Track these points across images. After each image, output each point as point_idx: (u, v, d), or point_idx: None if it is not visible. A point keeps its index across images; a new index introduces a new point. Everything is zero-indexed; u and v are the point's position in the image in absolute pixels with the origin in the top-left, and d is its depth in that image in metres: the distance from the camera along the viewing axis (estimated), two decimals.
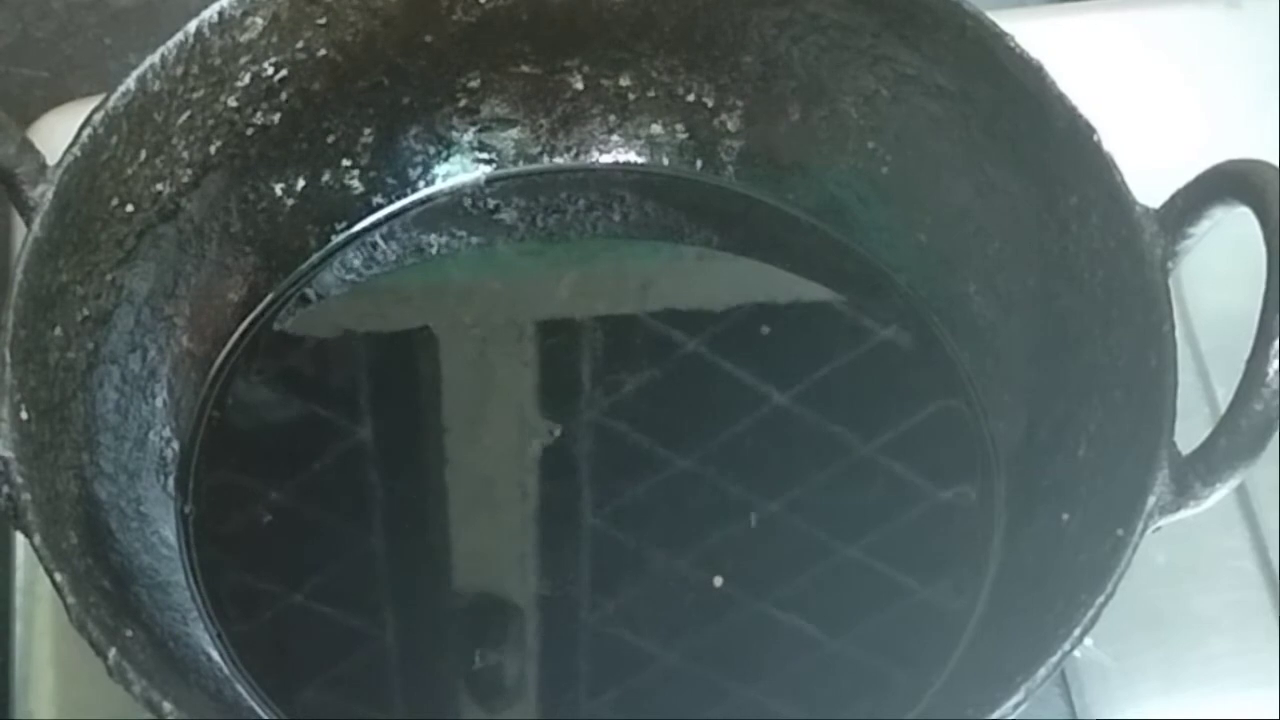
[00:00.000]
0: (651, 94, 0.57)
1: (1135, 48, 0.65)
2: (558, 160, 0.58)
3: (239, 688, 0.48)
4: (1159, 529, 0.43)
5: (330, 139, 0.55)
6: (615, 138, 0.58)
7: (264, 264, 0.55)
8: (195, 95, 0.50)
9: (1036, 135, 0.49)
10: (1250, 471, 0.42)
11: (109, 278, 0.49)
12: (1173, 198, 0.46)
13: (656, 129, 0.57)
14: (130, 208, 0.49)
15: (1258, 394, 0.41)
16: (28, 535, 0.42)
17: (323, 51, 0.53)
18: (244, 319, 0.54)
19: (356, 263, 0.56)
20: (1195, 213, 0.45)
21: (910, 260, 0.55)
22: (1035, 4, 0.71)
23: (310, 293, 0.56)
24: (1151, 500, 0.43)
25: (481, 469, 0.54)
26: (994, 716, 0.41)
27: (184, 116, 0.50)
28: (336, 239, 0.56)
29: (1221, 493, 0.43)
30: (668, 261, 0.58)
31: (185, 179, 0.51)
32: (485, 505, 0.53)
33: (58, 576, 0.41)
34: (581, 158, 0.58)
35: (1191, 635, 0.53)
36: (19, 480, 0.42)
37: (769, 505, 0.52)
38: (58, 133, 0.51)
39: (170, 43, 0.49)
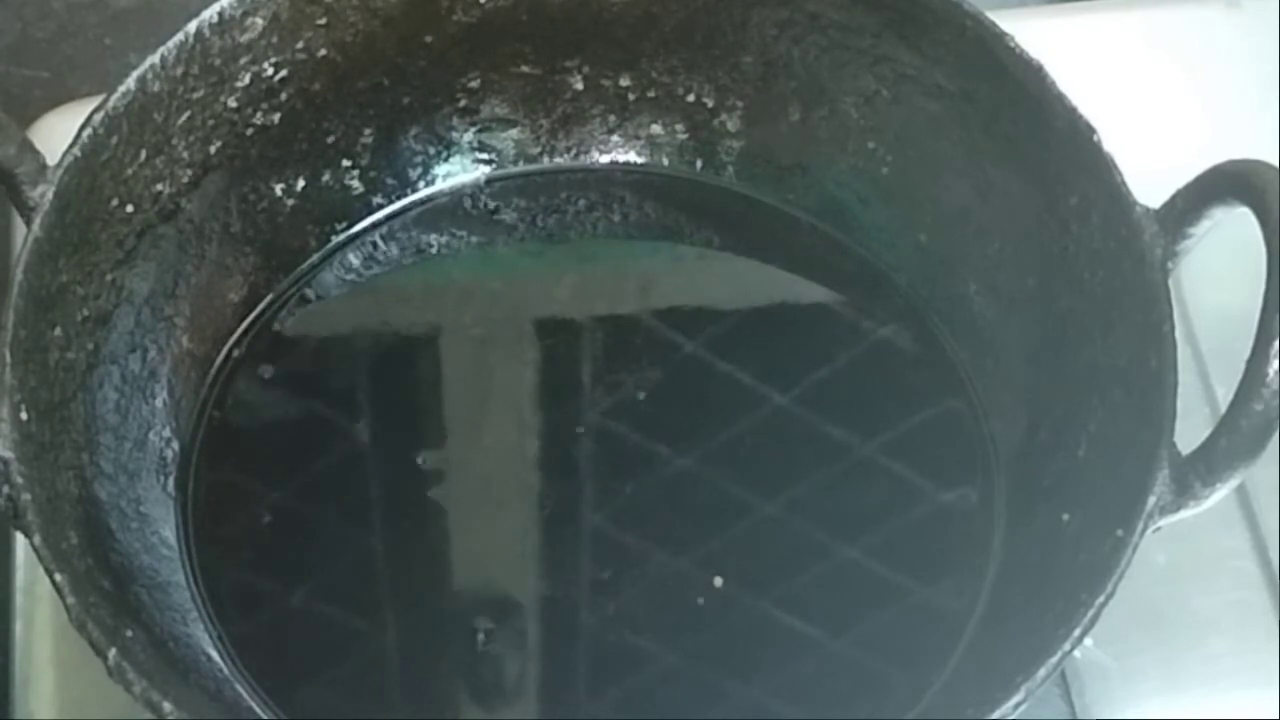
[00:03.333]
0: (651, 94, 0.57)
1: (1135, 48, 0.65)
2: (558, 160, 0.58)
3: (239, 688, 0.48)
4: (1159, 529, 0.43)
5: (330, 139, 0.55)
6: (615, 138, 0.58)
7: (264, 264, 0.55)
8: (195, 95, 0.50)
9: (1036, 135, 0.49)
10: (1250, 471, 0.42)
11: (109, 278, 0.49)
12: (1173, 198, 0.46)
13: (656, 129, 0.57)
14: (130, 208, 0.49)
15: (1258, 394, 0.41)
16: (28, 535, 0.42)
17: (323, 52, 0.53)
18: (244, 319, 0.54)
19: (356, 263, 0.56)
20: (1195, 213, 0.45)
21: (910, 260, 0.55)
22: (1035, 4, 0.71)
23: (310, 293, 0.56)
24: (1151, 500, 0.43)
25: (481, 469, 0.54)
26: (994, 716, 0.41)
27: (184, 117, 0.50)
28: (336, 239, 0.56)
29: (1222, 493, 0.43)
30: (668, 261, 0.58)
31: (185, 179, 0.51)
32: (485, 505, 0.53)
33: (58, 577, 0.41)
34: (581, 158, 0.58)
35: (1191, 635, 0.53)
36: (19, 480, 0.42)
37: (769, 505, 0.52)
38: (58, 133, 0.51)
39: (170, 43, 0.49)
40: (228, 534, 0.51)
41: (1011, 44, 0.49)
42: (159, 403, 0.51)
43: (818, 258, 0.56)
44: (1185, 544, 0.53)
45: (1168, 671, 0.52)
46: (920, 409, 0.54)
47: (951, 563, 0.50)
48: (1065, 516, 0.47)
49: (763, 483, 0.52)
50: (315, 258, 0.56)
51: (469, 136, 0.57)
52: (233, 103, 0.52)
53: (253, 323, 0.54)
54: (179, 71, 0.49)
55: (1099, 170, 0.47)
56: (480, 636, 0.49)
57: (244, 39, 0.51)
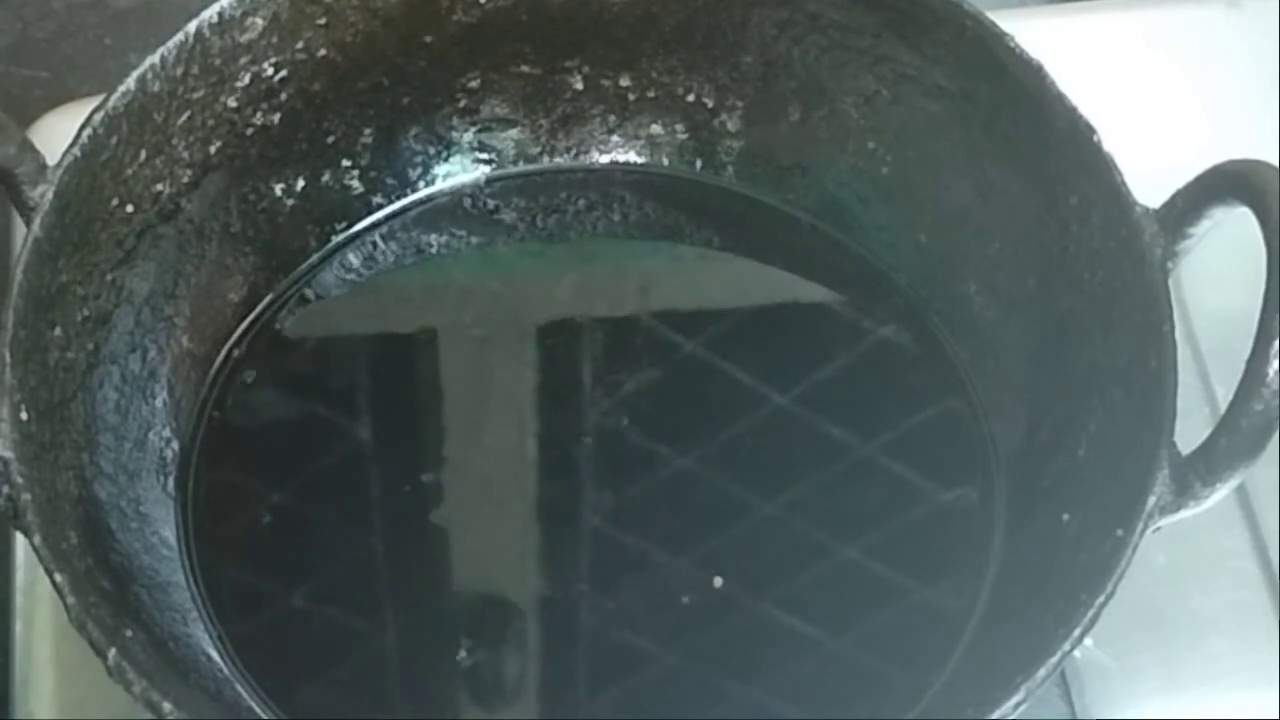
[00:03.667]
0: (651, 94, 0.57)
1: (1135, 48, 0.65)
2: (558, 160, 0.58)
3: (239, 688, 0.48)
4: (1159, 529, 0.43)
5: (330, 139, 0.55)
6: (615, 138, 0.58)
7: (264, 264, 0.55)
8: (195, 95, 0.50)
9: (1036, 135, 0.49)
10: (1250, 471, 0.42)
11: (109, 278, 0.49)
12: (1173, 198, 0.46)
13: (656, 129, 0.57)
14: (130, 208, 0.49)
15: (1258, 394, 0.41)
16: (28, 535, 0.42)
17: (323, 52, 0.53)
18: (244, 319, 0.54)
19: (356, 263, 0.56)
20: (1195, 213, 0.45)
21: (910, 260, 0.55)
22: (1035, 4, 0.71)
23: (310, 293, 0.56)
24: (1151, 500, 0.43)
25: (481, 469, 0.54)
26: (994, 716, 0.41)
27: (184, 117, 0.50)
28: (336, 239, 0.56)
29: (1222, 493, 0.43)
30: (668, 261, 0.58)
31: (185, 179, 0.51)
32: (485, 505, 0.53)
33: (58, 577, 0.41)
34: (581, 158, 0.58)
35: (1191, 635, 0.53)
36: (19, 480, 0.42)
37: (769, 505, 0.52)
38: (58, 133, 0.51)
39: (170, 43, 0.49)
40: (228, 534, 0.51)
41: (1011, 44, 0.49)
42: (159, 403, 0.51)
43: (818, 258, 0.56)
44: (1185, 544, 0.53)
45: (1168, 671, 0.52)
46: (920, 409, 0.54)
47: (951, 563, 0.50)
48: (1065, 516, 0.47)
49: (763, 483, 0.52)
50: (315, 258, 0.56)
51: (469, 136, 0.57)
52: (233, 103, 0.52)
53: (253, 323, 0.54)
54: (179, 71, 0.49)
55: (1099, 170, 0.47)
56: (462, 655, 0.49)
57: (244, 39, 0.51)
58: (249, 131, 0.53)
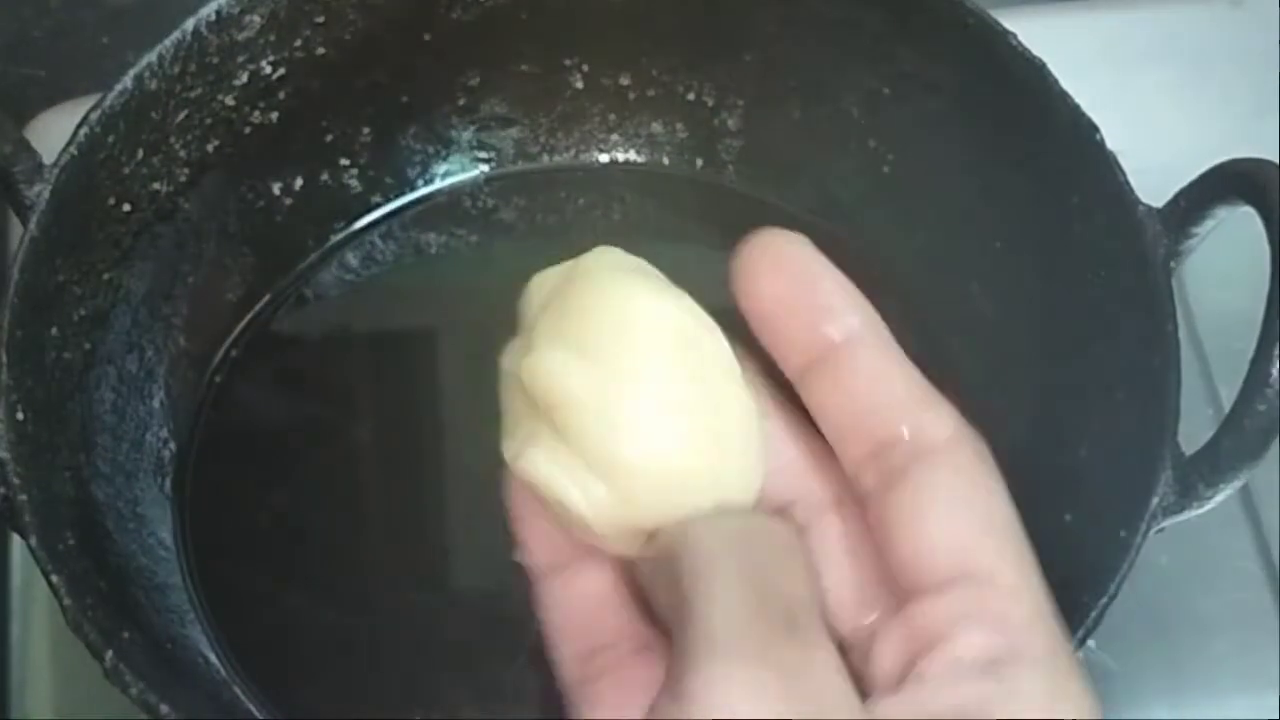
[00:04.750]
0: (651, 93, 0.57)
1: (1137, 46, 0.65)
2: (557, 159, 0.58)
3: (236, 689, 0.48)
4: (1162, 530, 0.43)
5: (328, 138, 0.55)
6: (615, 136, 0.58)
7: (262, 263, 0.55)
8: (193, 94, 0.50)
9: (1038, 134, 0.49)
10: (1254, 472, 0.42)
11: (106, 277, 0.49)
12: (1175, 197, 0.46)
13: (656, 128, 0.57)
14: (127, 207, 0.49)
15: (1261, 394, 0.41)
16: (24, 536, 0.42)
17: (321, 50, 0.53)
18: (242, 319, 0.54)
19: (355, 262, 0.56)
20: (1198, 212, 0.45)
21: (910, 260, 0.55)
22: (1037, 2, 0.71)
23: (308, 292, 0.55)
24: (1155, 501, 0.43)
25: (480, 469, 0.54)
26: None
27: (181, 115, 0.50)
28: (335, 238, 0.56)
29: (1225, 493, 0.43)
30: (668, 261, 0.58)
31: (183, 178, 0.51)
32: (485, 505, 0.53)
33: (54, 578, 0.41)
34: (581, 157, 0.58)
35: (1194, 637, 0.53)
36: (15, 481, 0.42)
37: None
38: (54, 132, 0.51)
39: (168, 41, 0.49)
40: (225, 535, 0.51)
41: (1014, 42, 0.49)
42: (156, 403, 0.51)
43: None
44: (1188, 545, 0.53)
45: (1170, 673, 0.52)
46: None
47: None
48: (1067, 517, 0.47)
49: None
50: (313, 257, 0.56)
51: (468, 135, 0.57)
52: (230, 101, 0.51)
53: (250, 322, 0.54)
54: (176, 70, 0.49)
55: (1101, 169, 0.47)
56: (461, 654, 0.49)
57: (241, 37, 0.50)
58: (247, 130, 0.52)
